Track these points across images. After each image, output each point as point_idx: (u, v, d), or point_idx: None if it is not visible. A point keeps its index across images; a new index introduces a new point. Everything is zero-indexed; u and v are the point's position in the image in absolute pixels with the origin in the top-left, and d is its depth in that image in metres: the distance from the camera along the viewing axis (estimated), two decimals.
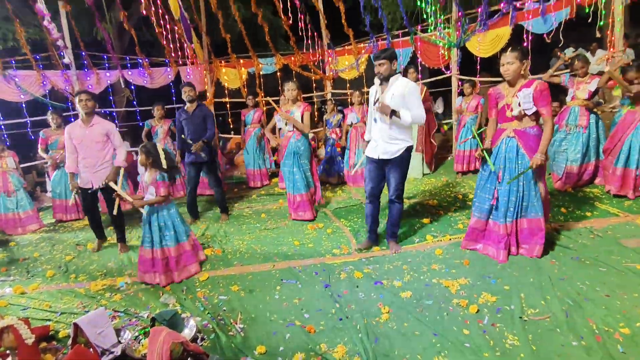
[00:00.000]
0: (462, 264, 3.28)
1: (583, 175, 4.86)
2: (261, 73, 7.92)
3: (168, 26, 6.95)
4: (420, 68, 6.81)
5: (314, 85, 8.73)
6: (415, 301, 2.78)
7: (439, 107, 10.31)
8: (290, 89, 4.50)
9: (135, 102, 7.99)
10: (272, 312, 2.80)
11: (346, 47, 7.89)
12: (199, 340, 2.49)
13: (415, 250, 3.66)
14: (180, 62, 7.77)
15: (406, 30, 7.18)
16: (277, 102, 5.11)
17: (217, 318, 2.76)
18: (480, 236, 3.40)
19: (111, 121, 4.37)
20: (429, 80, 7.97)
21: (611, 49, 5.30)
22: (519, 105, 3.00)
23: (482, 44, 6.35)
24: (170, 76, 7.70)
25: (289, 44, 7.92)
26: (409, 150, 3.42)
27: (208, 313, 2.83)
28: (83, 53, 6.87)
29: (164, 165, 3.28)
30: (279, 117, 4.57)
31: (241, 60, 7.99)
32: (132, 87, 7.97)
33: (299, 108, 4.52)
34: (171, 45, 7.22)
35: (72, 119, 6.44)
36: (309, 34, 7.47)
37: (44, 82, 6.71)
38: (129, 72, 7.46)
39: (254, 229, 4.70)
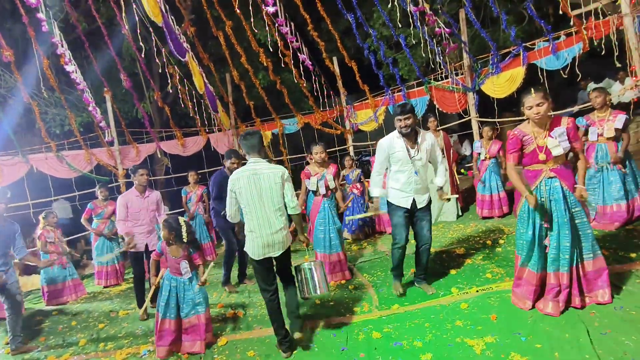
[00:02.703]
0: (489, 318, 3.04)
1: (634, 212, 4.44)
2: (284, 133, 8.31)
3: (195, 100, 7.61)
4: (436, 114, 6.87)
5: (335, 139, 8.99)
6: None
7: (466, 150, 10.18)
8: (318, 152, 4.54)
9: (170, 170, 8.58)
10: None
11: (364, 101, 8.17)
12: None
13: (439, 305, 3.46)
14: (208, 131, 8.36)
15: (421, 80, 7.37)
16: (297, 160, 5.23)
17: None
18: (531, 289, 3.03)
19: (152, 188, 4.75)
20: (449, 125, 7.97)
21: (634, 78, 5.10)
22: (559, 144, 2.83)
23: (497, 86, 6.35)
24: (201, 144, 8.28)
25: (310, 105, 8.35)
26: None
27: None
28: (124, 130, 7.61)
29: (185, 239, 3.40)
30: (310, 181, 4.61)
31: (264, 123, 8.47)
32: (168, 156, 8.62)
33: (329, 169, 4.61)
34: (197, 117, 7.84)
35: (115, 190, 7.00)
36: (326, 93, 7.85)
37: (92, 159, 7.43)
38: (165, 144, 8.12)
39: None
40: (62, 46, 5.14)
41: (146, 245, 4.42)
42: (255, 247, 3.01)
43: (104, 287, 6.04)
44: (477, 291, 3.56)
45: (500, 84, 6.35)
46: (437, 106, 7.38)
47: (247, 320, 3.87)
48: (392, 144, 3.57)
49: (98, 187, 6.15)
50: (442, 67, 6.97)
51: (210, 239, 6.82)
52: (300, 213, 3.26)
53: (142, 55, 6.28)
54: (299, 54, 6.79)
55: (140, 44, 5.82)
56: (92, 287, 6.14)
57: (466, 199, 6.97)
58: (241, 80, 7.48)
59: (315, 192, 4.67)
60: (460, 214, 6.47)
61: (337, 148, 8.87)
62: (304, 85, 7.16)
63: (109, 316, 4.70)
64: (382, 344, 2.96)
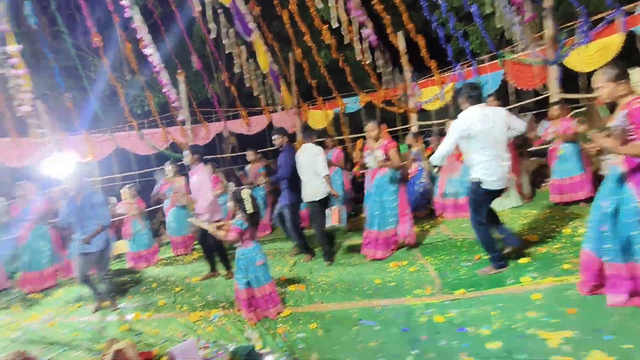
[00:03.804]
0: (565, 312, 2.82)
1: None
2: (345, 112, 8.24)
3: (261, 80, 7.79)
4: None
5: (398, 118, 8.72)
6: (506, 354, 2.47)
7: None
8: (370, 129, 4.63)
9: (236, 148, 8.99)
10: (347, 354, 2.76)
11: (429, 78, 7.78)
12: None
13: (507, 293, 3.28)
14: (272, 110, 8.56)
15: (494, 53, 6.81)
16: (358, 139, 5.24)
17: (294, 356, 2.83)
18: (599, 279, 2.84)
19: (218, 166, 5.05)
20: (524, 102, 7.32)
21: None
22: None
23: (586, 58, 5.65)
24: (264, 123, 8.52)
25: (372, 83, 8.15)
26: None
27: (285, 350, 2.92)
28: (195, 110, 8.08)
29: (249, 210, 3.56)
30: (367, 154, 4.68)
31: (326, 102, 8.45)
32: (235, 135, 9.02)
33: (379, 146, 4.59)
34: (261, 96, 8.04)
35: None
36: (390, 69, 7.59)
37: (167, 137, 8.01)
38: (231, 123, 8.49)
39: (337, 266, 4.76)
40: (142, 31, 5.52)
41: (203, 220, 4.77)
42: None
43: (176, 255, 6.58)
44: (553, 282, 3.31)
45: (590, 55, 5.65)
46: (511, 82, 6.80)
47: (309, 294, 4.00)
48: (471, 116, 3.46)
49: (168, 163, 6.43)
50: (519, 38, 6.36)
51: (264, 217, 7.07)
52: None
53: (212, 37, 6.53)
54: (362, 31, 6.61)
55: (210, 25, 6.04)
56: (167, 254, 6.72)
57: (538, 183, 6.48)
58: (304, 59, 7.49)
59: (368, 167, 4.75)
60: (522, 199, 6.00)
61: (399, 127, 8.63)
62: (367, 62, 6.98)
63: (183, 281, 5.13)
64: (446, 328, 2.89)
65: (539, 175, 6.90)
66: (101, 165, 8.59)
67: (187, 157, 4.71)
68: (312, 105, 8.68)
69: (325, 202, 4.94)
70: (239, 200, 3.56)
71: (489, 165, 3.48)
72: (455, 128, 3.53)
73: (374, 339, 2.90)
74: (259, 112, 8.69)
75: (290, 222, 5.04)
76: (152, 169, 8.27)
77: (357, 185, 8.64)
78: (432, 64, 7.34)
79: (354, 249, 5.29)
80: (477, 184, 3.54)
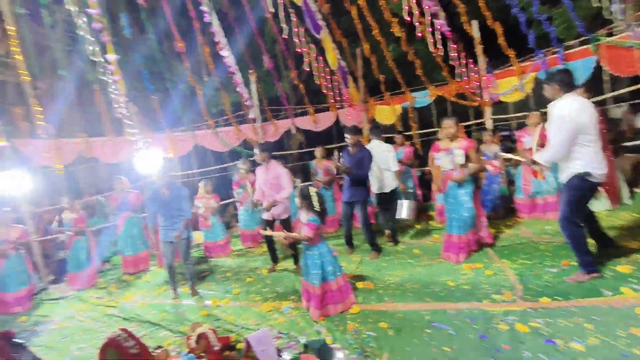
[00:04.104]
0: None
1: None
2: (414, 107, 7.97)
3: (328, 77, 7.84)
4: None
5: (471, 112, 8.24)
6: None
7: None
8: (447, 126, 4.34)
9: (303, 145, 9.17)
10: (420, 357, 2.69)
11: (507, 68, 7.21)
12: None
13: (606, 305, 2.94)
14: (339, 106, 8.58)
15: (584, 38, 6.10)
16: (427, 135, 5.03)
17: (364, 354, 2.82)
18: None
19: (286, 162, 5.21)
20: (619, 92, 6.47)
21: None
22: None
23: None
24: (331, 119, 8.58)
25: (442, 76, 7.79)
26: None
27: (355, 347, 2.92)
28: (265, 108, 8.39)
29: (316, 207, 3.60)
30: (439, 156, 4.46)
31: (394, 97, 8.25)
32: (302, 132, 9.22)
33: (459, 145, 4.33)
34: (331, 93, 8.08)
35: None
36: (464, 61, 7.18)
37: (239, 135, 8.43)
38: (299, 120, 8.68)
39: (406, 265, 4.64)
40: (219, 34, 5.86)
41: (274, 213, 4.94)
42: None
43: (246, 247, 6.89)
44: None
45: None
46: (606, 68, 6.04)
47: (378, 292, 3.95)
48: (576, 106, 3.20)
49: (242, 161, 6.79)
50: (618, 18, 5.61)
51: (335, 212, 7.10)
52: None
53: (283, 37, 6.72)
54: (435, 21, 6.33)
55: (282, 25, 6.21)
56: (238, 247, 7.06)
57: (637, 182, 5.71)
58: (371, 54, 7.39)
59: (444, 169, 4.45)
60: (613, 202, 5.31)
61: (472, 122, 8.15)
62: (439, 54, 6.67)
63: (255, 272, 5.37)
64: (530, 339, 2.67)
65: (638, 174, 6.09)
66: (181, 161, 9.32)
67: (257, 155, 4.89)
68: (379, 100, 8.54)
69: (392, 195, 5.39)
70: (305, 197, 3.63)
71: (596, 157, 3.21)
72: (566, 120, 3.18)
73: (449, 344, 2.78)
74: (326, 109, 8.77)
75: (362, 219, 5.05)
76: (226, 165, 8.78)
77: (425, 182, 8.35)
78: (511, 53, 6.78)
79: (423, 249, 5.13)
80: (583, 178, 3.22)
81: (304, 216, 3.67)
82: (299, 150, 10.43)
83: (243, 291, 4.65)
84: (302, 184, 4.33)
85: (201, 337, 2.85)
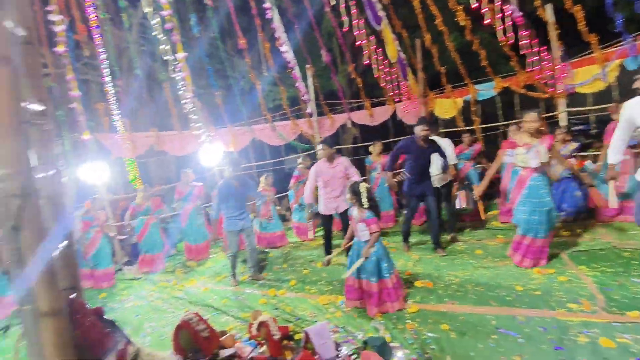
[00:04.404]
0: None
1: None
2: (477, 100, 7.54)
3: (387, 70, 7.66)
4: None
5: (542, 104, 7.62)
6: None
7: None
8: (530, 119, 3.98)
9: (358, 139, 9.09)
10: None
11: (586, 56, 6.55)
12: None
13: None
14: (398, 100, 8.37)
15: None
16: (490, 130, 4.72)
17: (425, 355, 2.73)
18: None
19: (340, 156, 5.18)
20: None
21: None
22: None
23: None
24: (388, 113, 8.40)
25: (509, 66, 7.27)
26: None
27: (416, 348, 2.84)
28: (321, 103, 8.42)
29: (364, 204, 3.54)
30: (515, 152, 4.14)
31: (455, 90, 7.87)
32: (357, 126, 9.14)
33: (541, 142, 3.99)
34: (389, 86, 7.90)
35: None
36: (535, 49, 6.62)
37: (296, 129, 8.57)
38: (355, 114, 8.61)
39: (467, 265, 4.43)
40: (279, 30, 5.98)
41: (337, 207, 4.92)
42: None
43: (302, 240, 6.99)
44: None
45: None
46: None
47: (437, 292, 3.82)
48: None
49: (303, 157, 7.00)
50: None
51: (392, 207, 6.97)
52: None
53: (343, 30, 6.68)
54: (504, 7, 5.91)
55: (342, 18, 6.16)
56: (293, 239, 7.18)
57: None
58: (432, 45, 7.09)
59: (520, 166, 4.11)
60: None
61: (544, 115, 7.52)
62: (508, 42, 6.21)
63: (310, 265, 5.44)
64: (616, 355, 2.42)
65: None
66: (240, 154, 9.69)
67: (322, 151, 4.89)
68: (439, 93, 8.20)
69: (450, 188, 5.54)
70: (356, 193, 3.59)
71: None
72: None
73: (518, 352, 2.60)
74: (383, 103, 8.61)
75: (434, 212, 4.91)
76: (282, 159, 8.97)
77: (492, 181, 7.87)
78: (592, 39, 6.14)
79: (486, 250, 4.85)
80: None
81: (356, 213, 3.62)
82: (353, 145, 10.36)
83: (299, 283, 4.73)
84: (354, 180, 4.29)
85: (262, 325, 2.93)
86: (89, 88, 8.95)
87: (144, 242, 6.32)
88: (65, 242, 1.46)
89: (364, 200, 3.54)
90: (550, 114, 7.60)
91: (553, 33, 6.69)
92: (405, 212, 5.17)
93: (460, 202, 5.76)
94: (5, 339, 4.24)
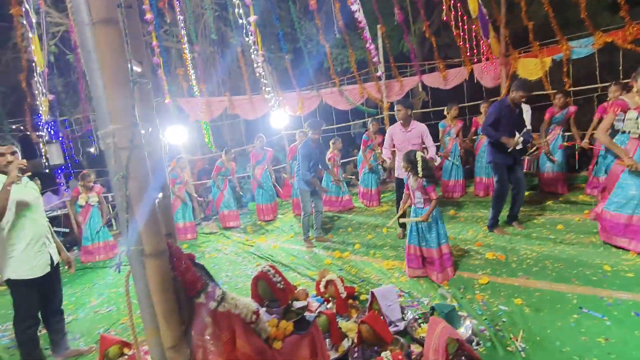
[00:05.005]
0: None
1: None
2: (570, 59, 6.67)
3: (465, 27, 7.04)
4: None
5: None
6: None
7: None
8: None
9: (429, 103, 8.64)
10: (564, 343, 2.40)
11: None
12: (474, 344, 2.49)
13: None
14: (475, 60, 7.72)
15: None
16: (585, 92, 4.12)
17: (495, 327, 2.65)
18: None
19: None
20: None
21: None
22: None
23: None
24: (464, 75, 7.82)
25: (614, 17, 6.27)
26: None
27: (485, 319, 2.77)
28: (391, 65, 8.08)
29: (420, 173, 3.44)
30: (626, 116, 3.57)
31: (544, 48, 7.01)
32: (428, 90, 8.66)
33: None
34: (467, 45, 7.28)
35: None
36: None
37: (363, 93, 8.38)
38: (426, 77, 8.15)
39: (546, 241, 4.13)
40: None
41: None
42: None
43: (365, 205, 7.01)
44: None
45: None
46: None
47: (510, 265, 3.64)
48: None
49: (371, 121, 6.87)
50: None
51: (463, 176, 6.63)
52: None
53: None
54: None
55: None
56: (357, 204, 7.23)
57: None
58: None
59: (629, 132, 3.58)
60: None
61: None
62: None
63: (374, 230, 5.47)
64: None
65: None
66: (307, 119, 9.80)
67: (400, 113, 4.67)
68: (525, 52, 7.37)
69: (523, 152, 4.86)
70: (411, 162, 3.52)
71: None
72: None
73: (604, 335, 2.42)
74: (457, 65, 8.00)
75: (522, 181, 4.47)
76: (349, 123, 8.90)
77: (574, 150, 7.10)
78: None
79: (569, 225, 4.46)
80: None
81: (413, 181, 3.57)
82: (422, 110, 9.89)
83: (363, 246, 4.80)
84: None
85: (330, 283, 3.05)
86: (170, 55, 9.52)
87: (223, 200, 6.79)
88: (162, 193, 1.61)
89: (419, 169, 3.48)
90: None
91: None
92: (495, 184, 4.65)
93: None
94: (112, 275, 4.99)
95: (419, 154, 3.53)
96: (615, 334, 2.41)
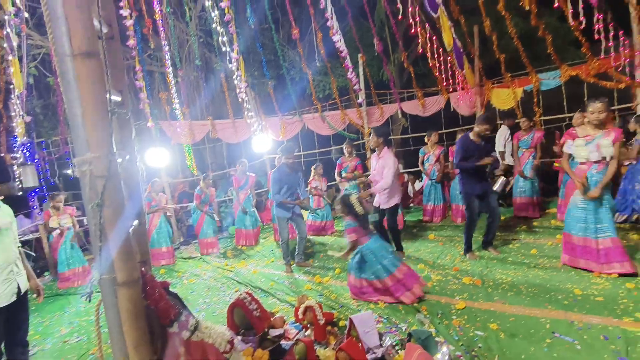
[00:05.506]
0: None
1: None
2: (539, 90, 7.05)
3: (441, 59, 7.37)
4: None
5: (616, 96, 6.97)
6: None
7: None
8: (596, 110, 3.65)
9: (408, 129, 8.88)
10: None
11: None
12: None
13: None
14: (451, 90, 8.05)
15: None
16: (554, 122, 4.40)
17: (472, 353, 2.67)
18: None
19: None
20: None
21: None
22: None
23: None
24: (441, 104, 8.11)
25: (578, 52, 6.70)
26: None
27: (462, 345, 2.79)
28: (371, 92, 8.32)
29: (359, 213, 3.65)
30: (576, 143, 3.86)
31: (515, 79, 7.40)
32: (407, 117, 8.93)
33: (606, 135, 3.66)
34: (443, 75, 7.61)
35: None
36: (612, 34, 6.02)
37: (345, 119, 8.56)
38: (406, 104, 8.42)
39: (521, 265, 4.23)
40: (332, 19, 5.96)
41: (380, 201, 4.87)
42: None
43: None
44: None
45: None
46: None
47: (487, 290, 3.70)
48: None
49: (345, 144, 6.95)
50: None
51: (443, 201, 6.78)
52: None
53: (396, 18, 6.52)
54: None
55: (397, 5, 6.01)
56: (339, 227, 7.26)
57: None
58: (492, 31, 6.69)
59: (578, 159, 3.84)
60: None
61: (617, 107, 6.89)
62: (580, 26, 5.69)
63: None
64: None
65: None
66: (294, 144, 9.90)
67: (372, 140, 4.82)
68: (498, 82, 7.75)
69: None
70: (346, 205, 3.73)
71: None
72: None
73: (575, 359, 2.46)
74: (435, 93, 8.32)
75: (495, 210, 4.62)
76: (330, 148, 9.03)
77: (546, 175, 7.41)
78: None
79: (542, 250, 4.60)
80: None
81: (344, 222, 3.82)
82: (402, 136, 10.15)
83: (344, 271, 4.78)
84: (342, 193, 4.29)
85: (308, 309, 3.03)
86: (153, 78, 9.56)
87: (203, 228, 6.68)
88: (138, 221, 1.61)
89: (358, 209, 3.69)
90: (625, 105, 6.94)
91: (634, 14, 6.05)
92: (465, 212, 4.83)
93: (495, 186, 5.05)
94: (84, 303, 4.79)
95: (353, 198, 3.74)
96: (586, 358, 2.46)
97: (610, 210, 3.71)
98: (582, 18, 5.65)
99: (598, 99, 3.67)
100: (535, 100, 7.09)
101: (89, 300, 1.55)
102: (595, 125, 3.69)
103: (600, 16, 5.81)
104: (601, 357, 2.45)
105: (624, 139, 3.98)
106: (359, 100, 7.82)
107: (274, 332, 2.30)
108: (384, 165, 4.69)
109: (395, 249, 4.98)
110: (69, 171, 10.94)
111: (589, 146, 3.72)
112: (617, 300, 3.15)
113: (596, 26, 5.88)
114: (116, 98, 1.46)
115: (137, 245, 1.59)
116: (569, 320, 2.93)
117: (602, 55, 6.49)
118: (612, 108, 6.86)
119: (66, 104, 1.34)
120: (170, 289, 1.75)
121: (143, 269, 1.53)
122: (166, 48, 6.30)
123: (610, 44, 6.05)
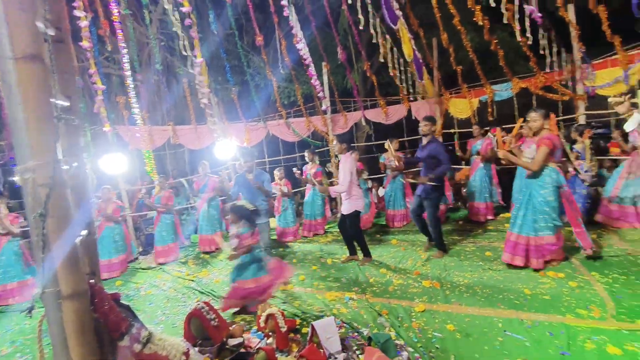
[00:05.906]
0: None
1: None
2: (493, 100, 7.46)
3: (402, 69, 7.63)
4: None
5: (562, 108, 7.49)
6: None
7: None
8: (532, 119, 4.08)
9: (372, 137, 9.08)
10: None
11: (608, 58, 6.40)
12: None
13: None
14: (412, 99, 8.33)
15: None
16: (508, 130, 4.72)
17: (429, 354, 2.76)
18: None
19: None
20: None
21: None
22: None
23: None
24: (403, 112, 8.37)
25: (527, 66, 7.17)
26: None
27: (421, 346, 2.87)
28: (336, 100, 8.44)
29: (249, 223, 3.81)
30: (522, 148, 4.27)
31: (471, 90, 7.79)
32: (371, 124, 9.13)
33: (539, 141, 4.00)
34: (404, 85, 7.87)
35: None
36: (556, 50, 6.52)
37: (310, 126, 8.62)
38: (369, 112, 8.61)
39: (476, 267, 4.43)
40: (296, 27, 6.03)
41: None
42: None
43: (310, 236, 7.06)
44: None
45: None
46: None
47: (445, 292, 3.83)
48: None
49: (306, 151, 7.01)
50: None
51: (404, 207, 6.97)
52: None
53: (358, 28, 6.68)
54: (525, 6, 5.82)
55: (359, 16, 6.16)
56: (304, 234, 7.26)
57: None
58: (449, 44, 7.02)
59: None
60: None
61: (562, 117, 7.40)
62: (527, 42, 6.10)
63: (319, 261, 5.50)
64: None
65: None
66: (254, 149, 9.81)
67: (335, 146, 4.92)
68: (455, 92, 8.12)
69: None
70: (235, 213, 3.85)
71: None
72: None
73: (523, 355, 2.61)
74: (398, 102, 8.58)
75: (431, 217, 4.88)
76: (295, 155, 9.04)
77: (505, 181, 7.81)
78: (616, 40, 6.00)
79: (496, 252, 4.83)
80: None
81: (234, 229, 3.86)
82: (367, 143, 10.36)
83: (308, 278, 4.80)
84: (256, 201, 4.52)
85: (270, 317, 3.01)
86: (110, 81, 9.18)
87: (158, 234, 6.46)
88: (87, 231, 1.54)
89: (243, 215, 3.81)
90: (569, 116, 7.47)
91: (574, 33, 6.56)
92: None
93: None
94: (28, 320, 4.46)
95: (250, 206, 3.89)
96: (533, 354, 2.61)
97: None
98: (528, 34, 6.06)
99: (535, 109, 4.10)
100: (490, 110, 7.48)
101: (30, 316, 1.46)
102: (532, 132, 4.10)
103: (545, 34, 6.25)
104: (546, 352, 2.61)
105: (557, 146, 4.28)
106: (324, 108, 7.90)
107: (232, 342, 2.26)
108: (341, 170, 4.80)
109: (364, 256, 5.07)
110: (15, 178, 10.24)
111: (527, 151, 4.23)
112: (561, 299, 3.37)
113: (541, 42, 6.31)
114: (63, 103, 1.40)
115: (86, 255, 1.52)
116: (519, 319, 3.10)
117: (548, 70, 6.99)
118: (558, 119, 7.37)
119: (7, 108, 1.28)
120: (123, 301, 1.69)
121: (92, 280, 1.46)
122: (124, 51, 6.09)
123: (554, 59, 6.52)
